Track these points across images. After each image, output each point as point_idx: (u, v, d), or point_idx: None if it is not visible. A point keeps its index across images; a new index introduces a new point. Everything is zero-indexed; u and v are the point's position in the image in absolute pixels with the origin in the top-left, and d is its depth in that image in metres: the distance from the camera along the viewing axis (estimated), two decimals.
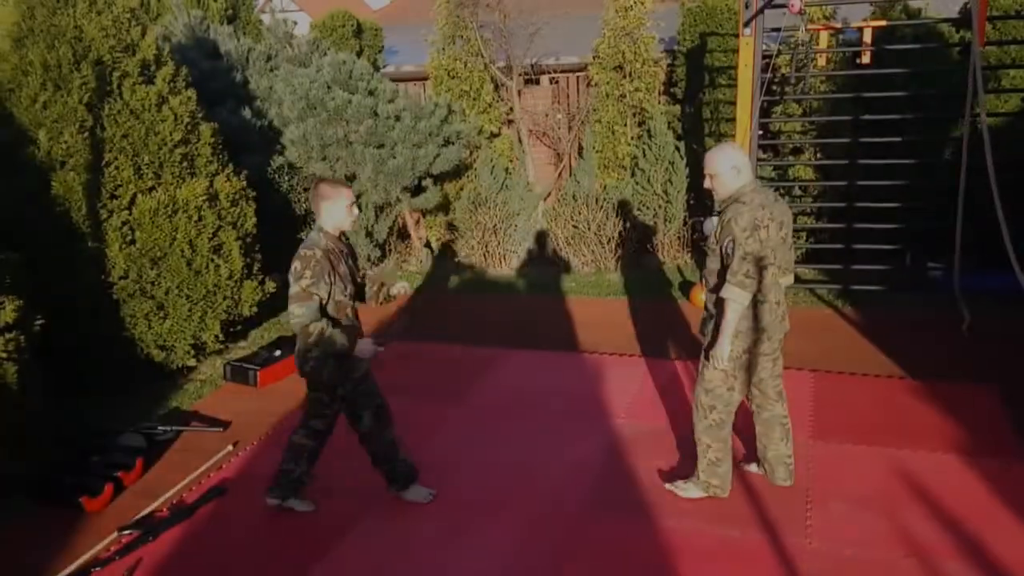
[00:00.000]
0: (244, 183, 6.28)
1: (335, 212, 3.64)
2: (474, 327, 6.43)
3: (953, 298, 6.01)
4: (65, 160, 5.26)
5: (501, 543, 3.64)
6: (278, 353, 5.77)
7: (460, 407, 5.06)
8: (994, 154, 5.05)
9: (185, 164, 5.73)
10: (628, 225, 8.07)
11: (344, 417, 3.85)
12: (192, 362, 5.85)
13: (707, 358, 3.61)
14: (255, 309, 6.29)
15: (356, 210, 3.72)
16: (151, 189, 5.54)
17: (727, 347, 3.48)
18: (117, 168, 5.38)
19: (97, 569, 3.57)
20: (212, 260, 5.83)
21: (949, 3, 7.40)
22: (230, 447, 4.67)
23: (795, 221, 7.55)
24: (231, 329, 6.23)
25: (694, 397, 3.76)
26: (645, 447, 4.38)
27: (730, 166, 3.45)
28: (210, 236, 5.81)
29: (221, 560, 3.64)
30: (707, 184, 3.58)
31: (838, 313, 6.41)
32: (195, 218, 5.70)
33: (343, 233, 3.74)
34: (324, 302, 3.53)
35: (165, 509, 4.05)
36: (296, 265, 3.52)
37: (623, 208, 8.12)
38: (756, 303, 3.48)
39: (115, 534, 3.83)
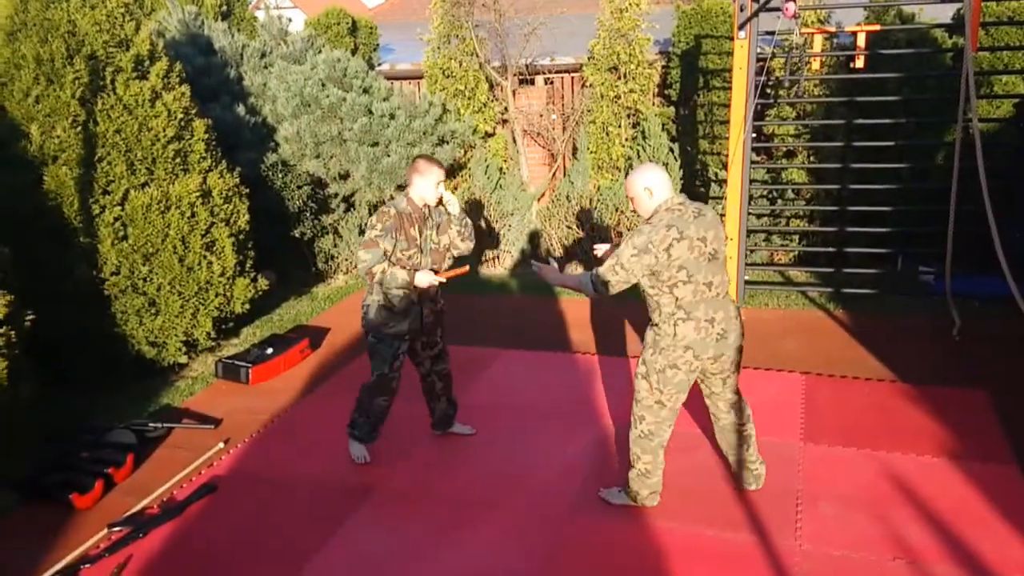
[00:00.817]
0: (237, 180, 6.26)
1: (422, 185, 4.09)
2: (466, 326, 6.42)
3: (944, 302, 6.05)
4: (57, 155, 5.23)
5: (490, 542, 3.64)
6: (270, 351, 5.75)
7: None
8: (986, 159, 5.08)
9: (178, 160, 5.71)
10: (621, 226, 8.09)
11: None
12: (184, 359, 5.83)
13: (637, 368, 3.68)
14: (247, 306, 6.28)
15: (442, 188, 4.15)
16: (144, 185, 5.52)
17: (546, 276, 3.79)
18: (110, 163, 5.36)
19: (86, 566, 3.56)
20: (204, 257, 5.81)
21: (942, 8, 7.43)
22: (221, 444, 4.65)
23: (787, 224, 7.66)
24: (223, 326, 6.21)
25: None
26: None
27: (642, 188, 3.49)
28: (203, 233, 5.79)
29: (211, 557, 3.63)
30: (631, 206, 3.66)
31: (829, 316, 6.43)
32: (188, 214, 5.68)
33: (427, 205, 4.15)
34: (388, 254, 4.01)
35: (155, 506, 4.04)
36: (372, 219, 4.03)
37: (616, 209, 8.12)
38: (678, 320, 3.46)
39: (105, 531, 3.81)
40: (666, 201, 3.48)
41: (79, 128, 5.24)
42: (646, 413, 3.63)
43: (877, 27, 6.91)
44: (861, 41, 6.68)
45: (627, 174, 8.13)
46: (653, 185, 3.48)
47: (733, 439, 3.85)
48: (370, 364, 4.22)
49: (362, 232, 8.16)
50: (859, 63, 6.78)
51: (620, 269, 3.43)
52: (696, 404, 4.77)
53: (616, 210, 8.09)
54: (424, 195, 4.09)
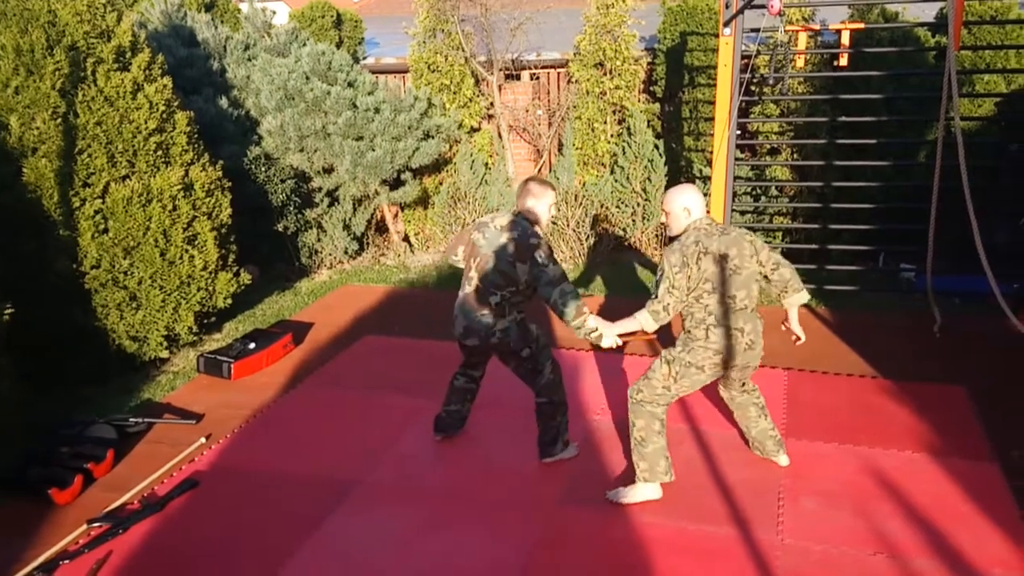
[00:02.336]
0: (220, 173, 6.21)
1: (538, 209, 3.98)
2: (451, 322, 6.40)
3: (925, 299, 6.10)
4: (37, 147, 5.16)
5: (475, 536, 3.64)
6: (252, 346, 5.71)
7: (437, 401, 5.02)
8: (967, 157, 5.13)
9: (160, 153, 5.66)
10: (606, 222, 8.10)
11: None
12: (165, 354, 5.79)
13: (661, 357, 3.81)
14: (230, 301, 6.23)
15: (555, 210, 4.08)
16: (125, 178, 5.47)
17: (609, 338, 3.79)
18: (90, 156, 5.30)
19: (66, 562, 3.53)
20: (186, 251, 5.76)
21: (926, 8, 7.49)
22: (202, 440, 4.62)
23: (771, 221, 7.69)
24: (205, 321, 6.16)
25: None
26: (621, 443, 4.40)
27: (682, 207, 3.71)
28: (184, 226, 5.75)
29: (192, 553, 3.61)
30: (663, 219, 3.87)
31: (812, 312, 6.47)
32: (169, 208, 5.63)
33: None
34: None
35: (136, 502, 4.01)
36: (545, 249, 3.83)
37: (602, 205, 8.14)
38: (710, 326, 3.63)
39: (84, 526, 3.78)
40: (697, 220, 3.70)
41: (59, 120, 5.17)
42: (646, 388, 3.78)
43: (861, 25, 6.95)
44: (845, 39, 6.71)
45: (612, 170, 8.20)
46: (692, 206, 3.71)
47: (752, 412, 4.04)
48: (538, 369, 4.09)
49: (347, 227, 8.15)
50: (843, 61, 6.82)
51: (673, 289, 3.60)
52: (682, 401, 4.79)
53: (601, 206, 8.10)
54: (538, 219, 4.00)
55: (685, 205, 3.71)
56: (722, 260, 3.59)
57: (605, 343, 3.80)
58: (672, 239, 3.78)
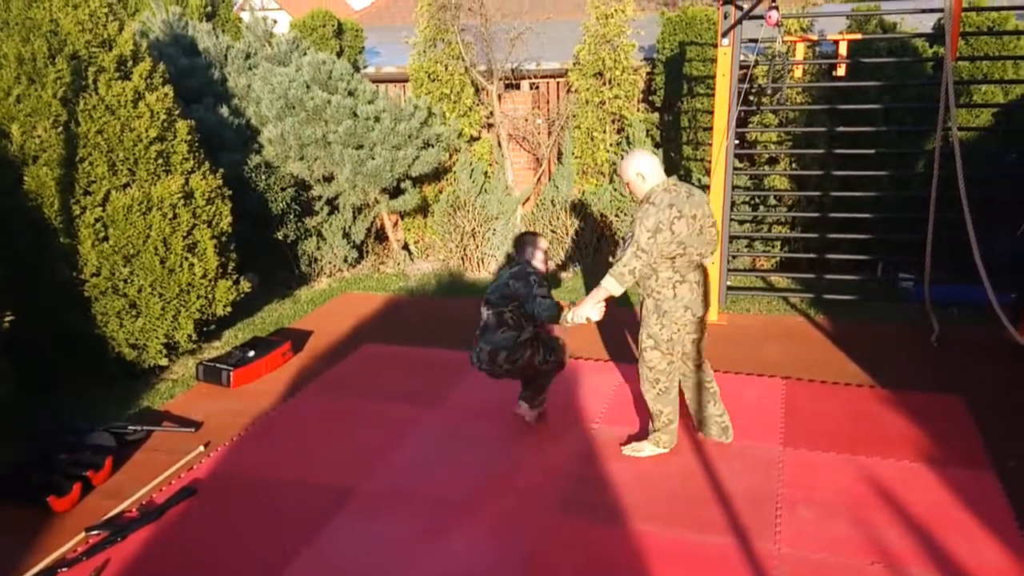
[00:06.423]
0: (220, 181, 6.23)
1: (535, 259, 4.46)
2: (451, 330, 6.42)
3: (923, 309, 6.11)
4: (38, 155, 5.19)
5: (473, 544, 3.64)
6: (252, 354, 5.72)
7: (435, 409, 5.06)
8: (965, 168, 5.15)
9: (160, 161, 5.68)
10: (606, 231, 8.12)
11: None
12: (164, 361, 5.79)
13: (642, 341, 4.11)
14: (229, 309, 6.25)
15: (551, 264, 4.52)
16: (125, 186, 5.49)
17: (585, 311, 3.97)
18: (91, 164, 5.32)
19: (64, 570, 3.53)
20: (186, 259, 5.78)
21: (924, 18, 7.53)
22: (201, 448, 4.63)
23: (769, 230, 7.72)
24: (204, 329, 6.17)
25: (640, 374, 4.19)
26: (619, 451, 4.40)
27: (635, 173, 3.94)
28: (184, 234, 5.76)
29: (190, 561, 3.61)
30: (627, 189, 4.13)
31: (810, 321, 6.48)
32: (170, 216, 5.65)
33: None
34: None
35: (134, 509, 4.01)
36: (537, 277, 4.32)
37: (601, 214, 8.16)
38: (676, 283, 3.93)
39: (82, 534, 3.78)
40: (662, 183, 3.92)
41: (60, 128, 5.20)
42: (660, 376, 4.11)
43: (859, 36, 6.99)
44: (843, 49, 6.74)
45: (611, 179, 8.23)
46: (644, 170, 3.93)
47: (703, 396, 4.28)
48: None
49: (346, 235, 8.17)
50: (841, 71, 6.85)
51: (642, 253, 3.77)
52: (680, 411, 4.79)
53: (600, 215, 8.12)
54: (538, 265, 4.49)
55: (638, 171, 3.92)
56: (692, 221, 3.84)
57: (590, 317, 3.99)
58: (642, 202, 3.93)
